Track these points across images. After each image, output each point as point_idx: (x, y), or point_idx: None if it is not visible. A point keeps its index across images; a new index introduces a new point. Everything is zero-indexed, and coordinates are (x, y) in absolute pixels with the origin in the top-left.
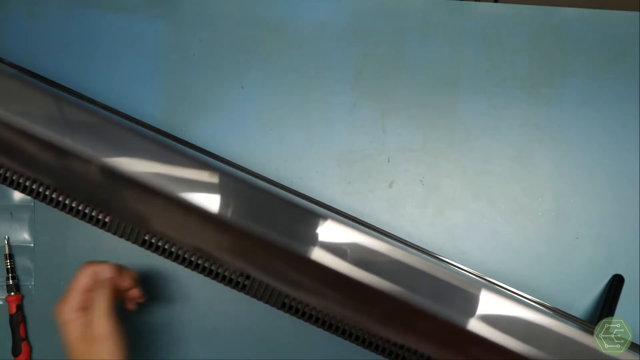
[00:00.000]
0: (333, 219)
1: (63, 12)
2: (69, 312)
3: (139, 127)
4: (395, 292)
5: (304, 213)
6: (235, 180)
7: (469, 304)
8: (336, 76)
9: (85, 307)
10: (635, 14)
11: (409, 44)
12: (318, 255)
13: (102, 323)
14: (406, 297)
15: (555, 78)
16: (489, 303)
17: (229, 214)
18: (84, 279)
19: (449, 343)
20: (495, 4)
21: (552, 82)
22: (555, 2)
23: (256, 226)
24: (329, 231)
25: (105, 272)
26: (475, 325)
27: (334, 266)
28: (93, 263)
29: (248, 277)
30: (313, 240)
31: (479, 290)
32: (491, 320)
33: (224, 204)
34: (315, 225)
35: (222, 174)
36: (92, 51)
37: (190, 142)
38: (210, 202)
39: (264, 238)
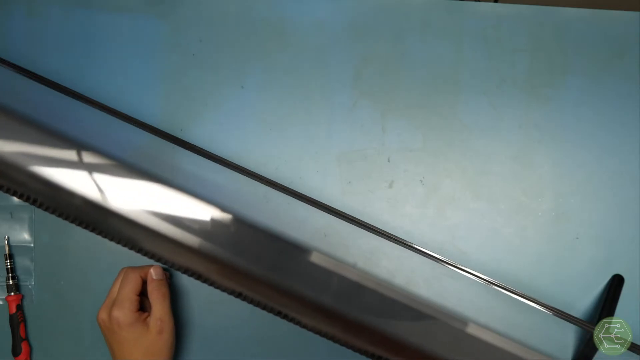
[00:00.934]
0: (318, 251)
1: (63, 12)
2: (129, 315)
3: (127, 163)
4: (375, 322)
5: (289, 247)
6: (222, 216)
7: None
8: (336, 76)
9: (140, 309)
10: (635, 14)
11: (409, 44)
12: (302, 288)
13: (168, 320)
14: (385, 326)
15: (555, 78)
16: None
17: (214, 249)
18: (133, 283)
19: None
20: (495, 4)
21: (552, 82)
22: (555, 2)
23: (240, 260)
24: (313, 264)
25: (159, 274)
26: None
27: (319, 300)
28: (133, 268)
29: (240, 294)
30: (298, 274)
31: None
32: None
33: (208, 238)
34: (300, 259)
35: (210, 207)
36: (92, 51)
37: (190, 142)
38: (192, 237)
39: (249, 272)
